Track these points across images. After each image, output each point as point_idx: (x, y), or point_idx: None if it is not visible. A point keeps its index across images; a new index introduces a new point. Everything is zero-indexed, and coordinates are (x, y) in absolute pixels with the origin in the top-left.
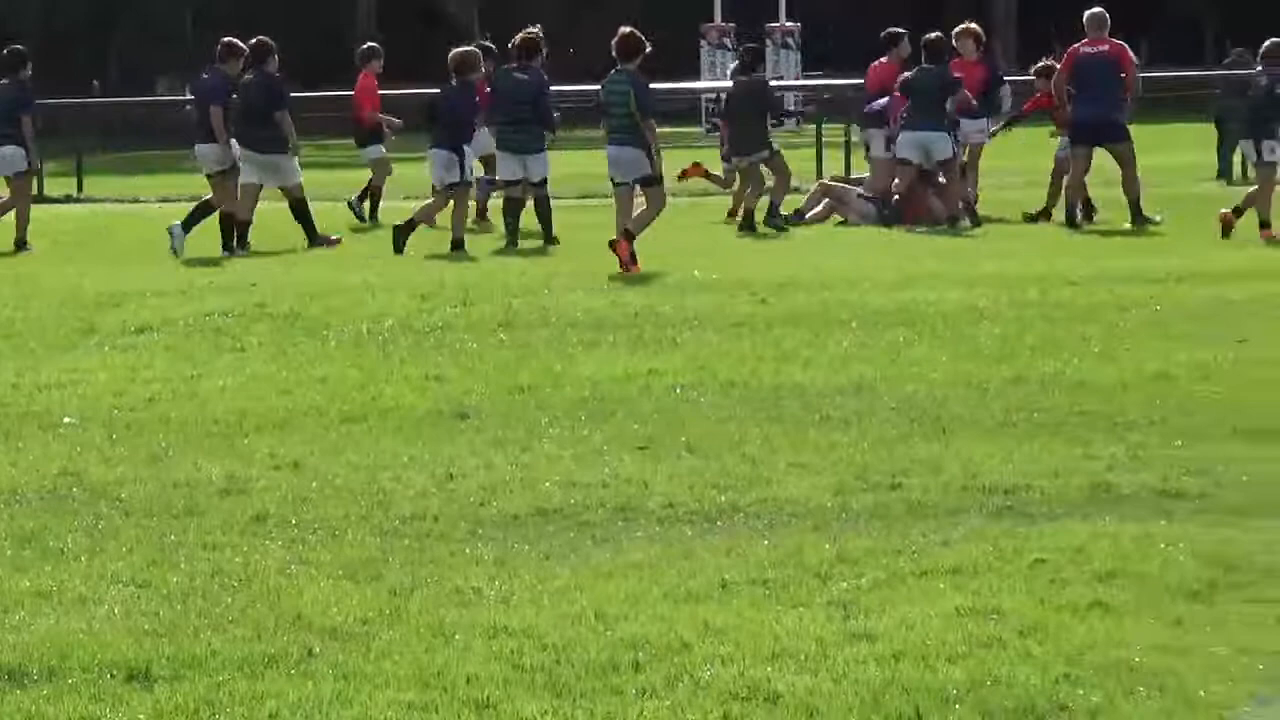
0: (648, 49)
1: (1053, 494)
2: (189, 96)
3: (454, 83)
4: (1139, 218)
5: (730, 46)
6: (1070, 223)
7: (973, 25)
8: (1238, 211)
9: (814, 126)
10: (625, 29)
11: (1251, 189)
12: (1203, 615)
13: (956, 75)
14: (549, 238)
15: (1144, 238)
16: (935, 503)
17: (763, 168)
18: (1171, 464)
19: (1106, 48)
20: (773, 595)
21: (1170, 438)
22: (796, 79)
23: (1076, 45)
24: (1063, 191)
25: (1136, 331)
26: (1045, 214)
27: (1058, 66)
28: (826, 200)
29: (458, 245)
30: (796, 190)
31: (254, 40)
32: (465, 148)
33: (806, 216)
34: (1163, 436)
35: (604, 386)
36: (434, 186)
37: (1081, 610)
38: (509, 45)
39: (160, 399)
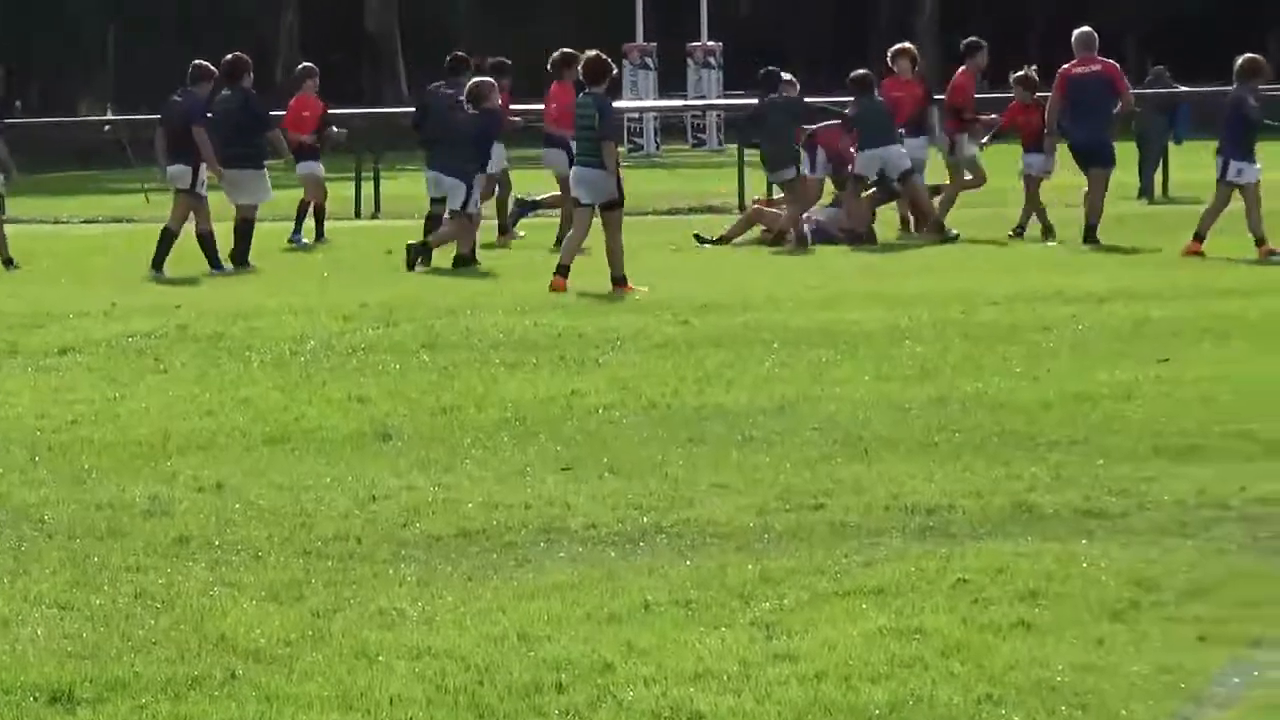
0: (615, 71)
1: (975, 514)
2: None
3: (474, 111)
4: (1093, 237)
5: (651, 66)
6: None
7: (908, 45)
8: (1199, 238)
9: (735, 147)
10: (592, 53)
11: (1203, 210)
12: (1124, 635)
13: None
14: (470, 256)
15: (1067, 257)
16: (858, 523)
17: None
18: (1093, 484)
19: (1099, 68)
20: (695, 616)
21: (1092, 457)
22: (719, 98)
23: (1067, 67)
24: (1037, 210)
25: (1058, 351)
26: (1047, 231)
27: (1034, 77)
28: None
29: (464, 261)
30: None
31: (229, 57)
32: (477, 177)
33: (733, 241)
34: (1084, 456)
35: (527, 408)
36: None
37: (1004, 630)
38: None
39: (83, 420)
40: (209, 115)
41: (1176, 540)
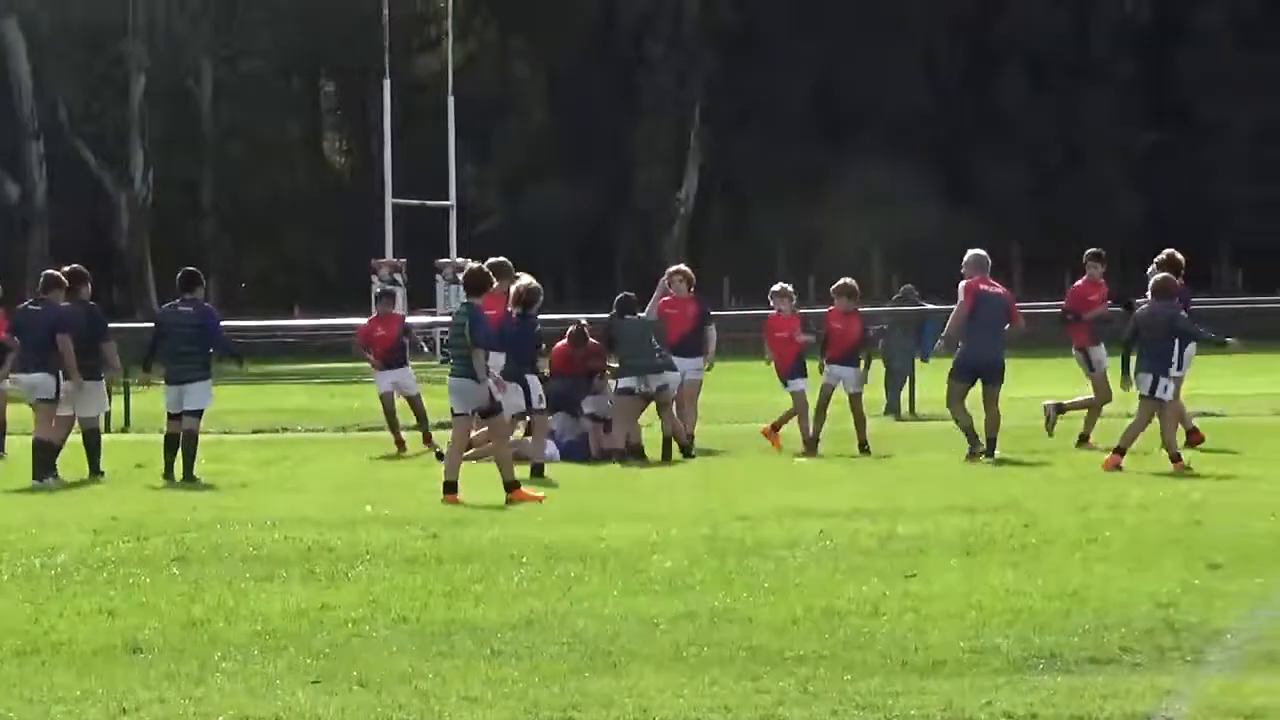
0: (493, 284)
1: None
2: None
3: (514, 314)
4: (993, 450)
5: (400, 282)
6: (984, 452)
7: (684, 267)
8: (1120, 451)
9: None
10: (473, 264)
11: (1129, 423)
12: None
13: (670, 311)
14: (188, 473)
15: (816, 471)
16: None
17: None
18: (841, 698)
19: (1002, 290)
20: None
21: (840, 672)
22: None
23: (973, 282)
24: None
25: (806, 566)
26: (813, 446)
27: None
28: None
29: (538, 471)
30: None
31: (69, 268)
32: (530, 376)
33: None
34: (832, 671)
35: (277, 621)
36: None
37: None
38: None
39: None
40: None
41: None
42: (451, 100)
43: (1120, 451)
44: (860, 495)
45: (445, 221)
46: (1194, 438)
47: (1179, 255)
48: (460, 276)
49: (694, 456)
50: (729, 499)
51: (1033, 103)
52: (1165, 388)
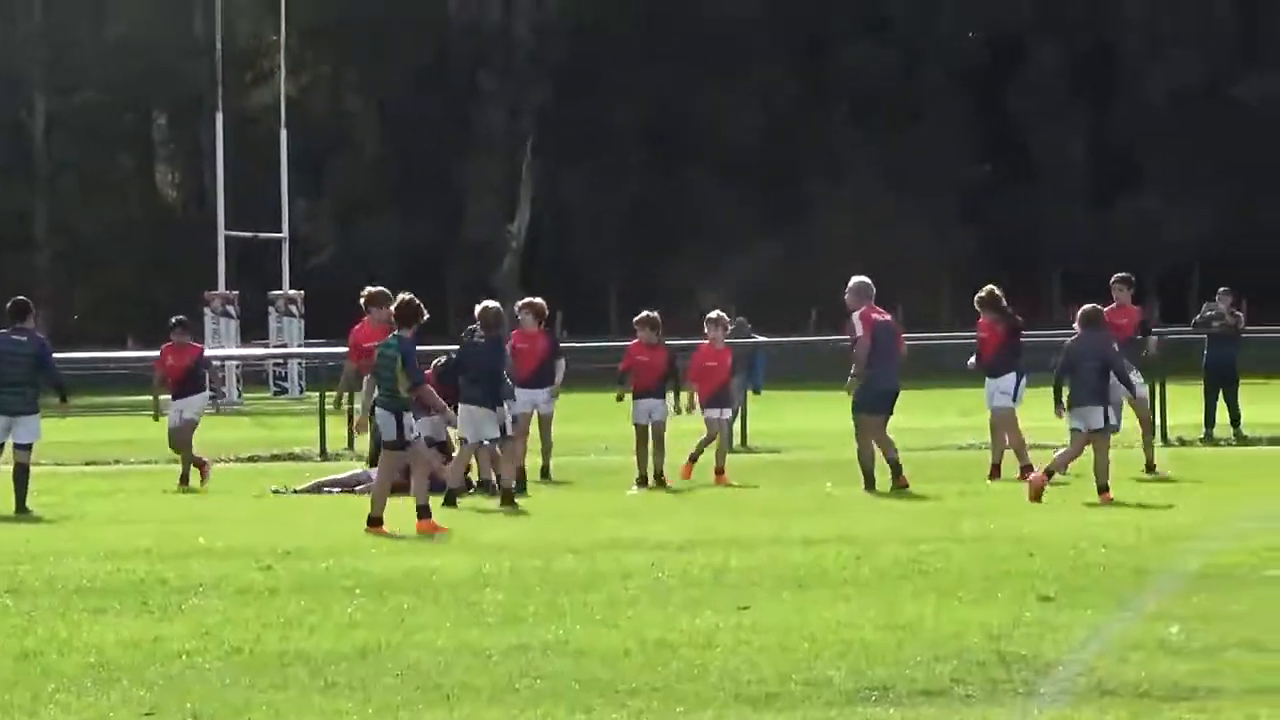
0: (425, 316)
1: None
2: None
3: (482, 339)
4: (901, 476)
5: (233, 314)
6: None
7: (534, 300)
8: (1049, 473)
9: (317, 395)
10: (405, 295)
11: (1060, 451)
12: None
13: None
14: (20, 505)
15: (650, 503)
16: None
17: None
18: None
19: (890, 317)
20: None
21: (672, 704)
22: (300, 346)
23: (866, 310)
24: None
25: (638, 599)
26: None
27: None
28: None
29: (508, 497)
30: (295, 458)
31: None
32: (507, 402)
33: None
34: (664, 703)
35: (110, 653)
36: (462, 441)
37: None
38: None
39: None
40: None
41: None
42: (284, 133)
43: (1104, 489)
44: (693, 527)
45: (278, 253)
46: (1026, 474)
47: (997, 290)
48: (390, 307)
49: (517, 501)
50: (564, 531)
51: (865, 137)
52: (1113, 415)
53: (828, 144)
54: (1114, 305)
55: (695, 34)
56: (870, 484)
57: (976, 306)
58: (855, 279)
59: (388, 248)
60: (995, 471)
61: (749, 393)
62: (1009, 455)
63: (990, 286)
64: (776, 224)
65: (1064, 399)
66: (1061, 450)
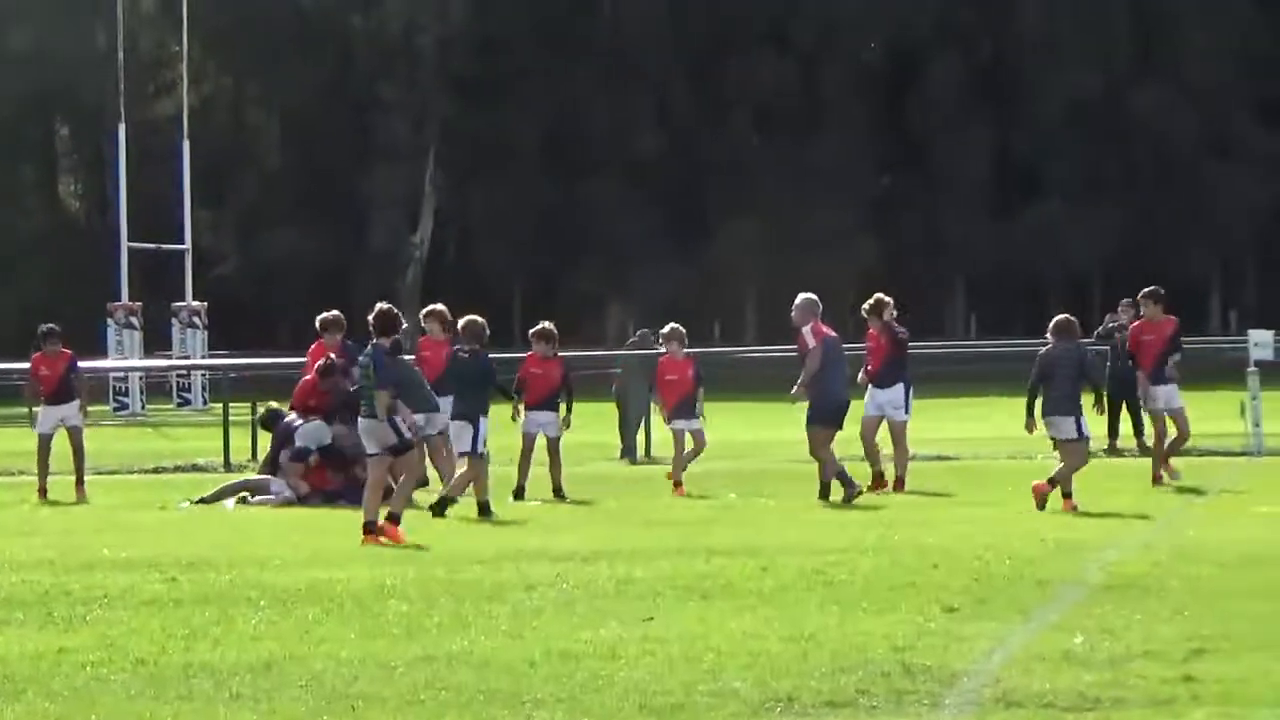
0: (404, 325)
1: None
2: None
3: (466, 353)
4: (852, 487)
5: (136, 326)
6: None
7: (439, 307)
8: (1053, 483)
9: (220, 406)
10: (383, 305)
11: (1059, 467)
12: None
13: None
14: None
15: (554, 514)
16: None
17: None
18: None
19: (837, 334)
20: None
21: (578, 715)
22: (204, 358)
23: (816, 325)
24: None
25: (543, 609)
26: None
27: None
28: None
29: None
30: (199, 469)
31: None
32: (481, 418)
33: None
34: (569, 714)
35: (14, 665)
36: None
37: None
38: None
39: None
40: None
41: None
42: (186, 144)
43: (1068, 495)
44: (597, 538)
45: (181, 265)
46: (878, 484)
47: (885, 298)
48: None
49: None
50: (468, 541)
51: (764, 148)
52: (1084, 425)
53: (729, 154)
54: (1140, 320)
55: (597, 46)
56: (826, 494)
57: (864, 314)
58: (802, 295)
59: (291, 259)
60: (879, 480)
61: (652, 404)
62: (886, 464)
63: (878, 295)
64: (680, 235)
65: (1035, 412)
66: (1060, 466)
